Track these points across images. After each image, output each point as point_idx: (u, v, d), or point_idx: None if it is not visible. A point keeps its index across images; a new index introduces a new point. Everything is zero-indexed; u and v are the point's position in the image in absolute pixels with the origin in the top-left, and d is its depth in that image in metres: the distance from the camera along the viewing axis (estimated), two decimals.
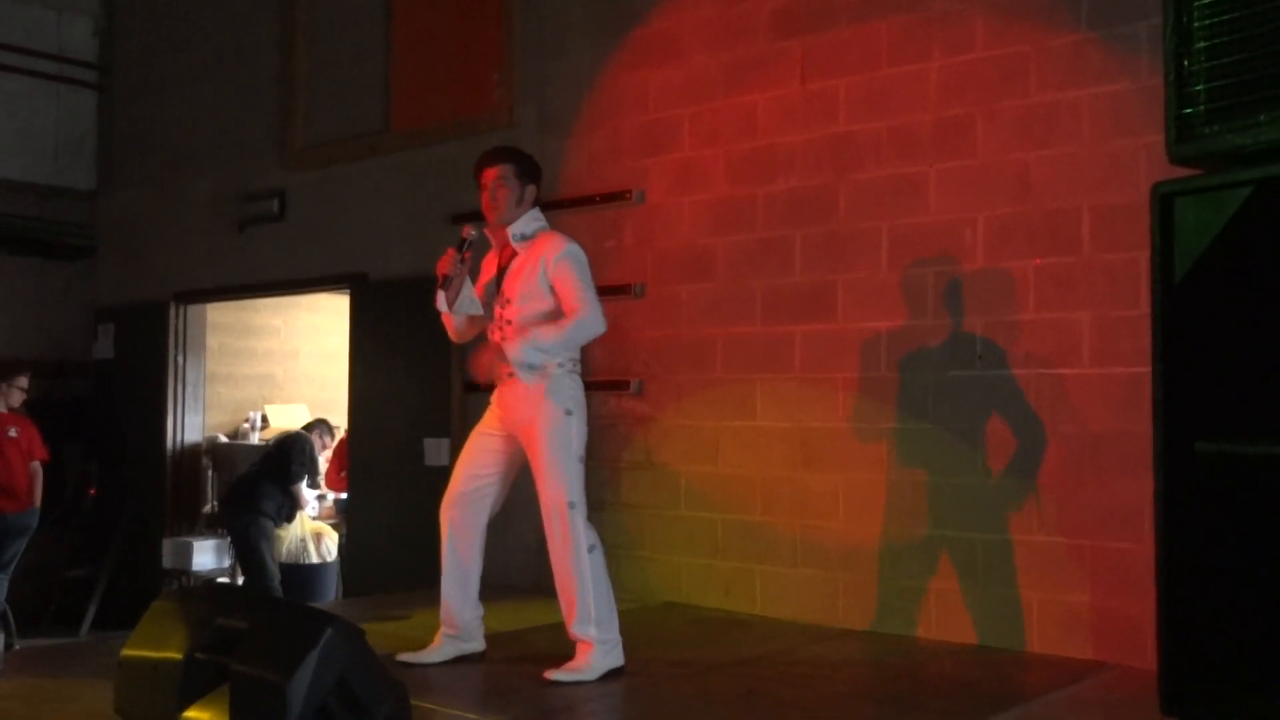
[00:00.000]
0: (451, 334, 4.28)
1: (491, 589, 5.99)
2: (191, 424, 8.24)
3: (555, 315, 3.99)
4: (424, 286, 6.56)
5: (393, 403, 6.71)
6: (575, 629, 3.87)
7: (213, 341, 8.49)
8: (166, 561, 7.83)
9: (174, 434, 8.15)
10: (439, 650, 4.08)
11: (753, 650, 4.43)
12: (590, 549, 3.90)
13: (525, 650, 4.49)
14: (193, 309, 8.24)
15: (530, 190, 4.13)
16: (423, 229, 6.70)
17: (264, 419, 8.66)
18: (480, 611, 4.16)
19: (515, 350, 3.91)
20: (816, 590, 5.02)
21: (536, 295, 4.00)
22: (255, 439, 8.41)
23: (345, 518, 7.31)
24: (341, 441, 7.77)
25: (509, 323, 4.03)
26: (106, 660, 3.19)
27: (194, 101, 8.18)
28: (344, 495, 7.47)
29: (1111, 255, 4.30)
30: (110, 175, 8.90)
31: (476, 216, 6.38)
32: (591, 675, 3.81)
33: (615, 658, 3.89)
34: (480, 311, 4.16)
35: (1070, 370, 4.41)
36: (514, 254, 4.08)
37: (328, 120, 7.34)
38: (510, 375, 3.99)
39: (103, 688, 3.17)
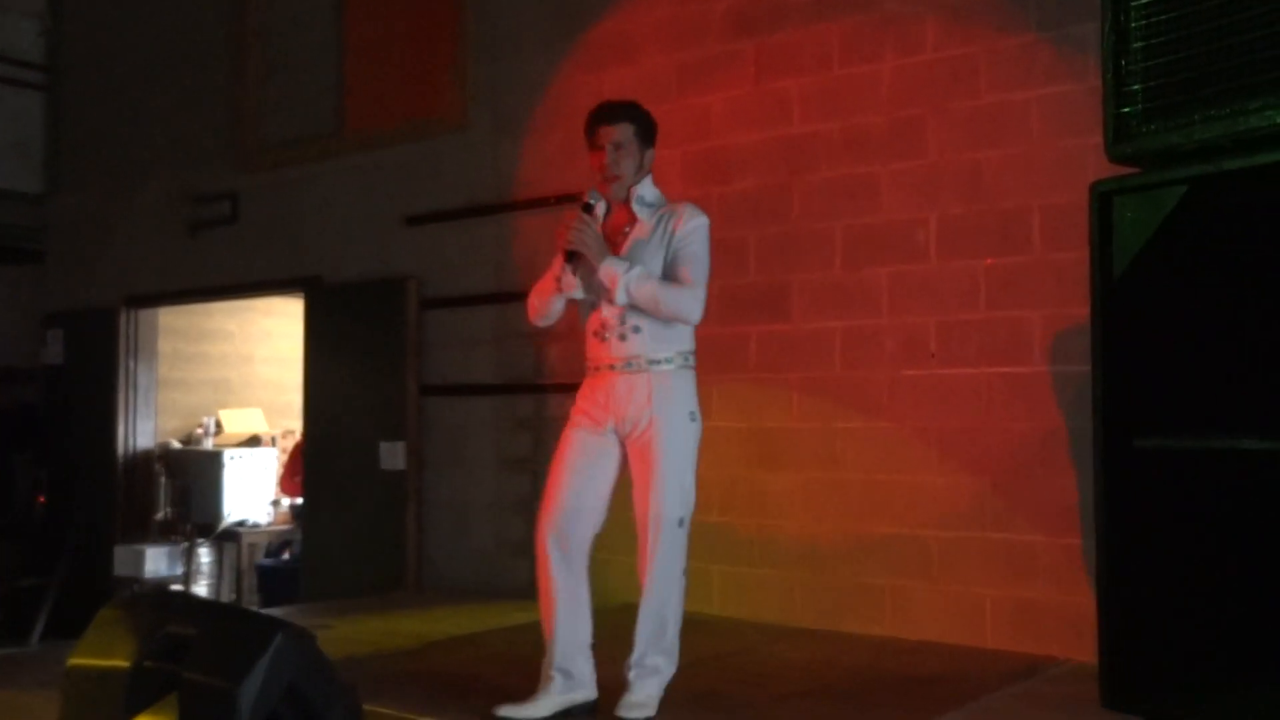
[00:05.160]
0: (540, 317, 3.63)
1: (450, 591, 6.00)
2: (144, 430, 8.13)
3: None
4: (379, 288, 6.62)
5: (348, 407, 6.66)
6: (649, 657, 3.44)
7: (165, 346, 8.38)
8: (118, 569, 7.72)
9: (126, 440, 8.04)
10: (546, 701, 3.47)
11: (710, 650, 4.43)
12: (684, 572, 3.49)
13: (480, 654, 4.48)
14: (144, 313, 8.13)
15: (649, 155, 3.59)
16: (377, 232, 6.66)
17: (218, 424, 8.56)
18: (590, 652, 3.56)
19: (622, 271, 3.35)
20: (774, 589, 5.03)
21: (660, 273, 3.45)
22: (209, 444, 8.32)
23: (301, 523, 7.24)
24: (296, 446, 7.70)
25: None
26: (56, 670, 3.13)
27: (144, 103, 8.07)
28: (299, 500, 7.40)
29: (1061, 254, 4.35)
30: (58, 178, 8.76)
31: (434, 218, 6.42)
32: (654, 710, 3.43)
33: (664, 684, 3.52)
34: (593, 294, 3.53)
35: (1021, 368, 4.46)
36: (629, 225, 3.53)
37: (280, 122, 7.28)
38: (623, 366, 3.44)
39: (52, 698, 3.12)
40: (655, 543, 3.42)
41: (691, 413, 3.46)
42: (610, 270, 3.38)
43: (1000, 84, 4.55)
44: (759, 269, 5.16)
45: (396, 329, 6.43)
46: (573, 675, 3.49)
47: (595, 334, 3.51)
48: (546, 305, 3.59)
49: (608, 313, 3.46)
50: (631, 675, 3.46)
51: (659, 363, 3.43)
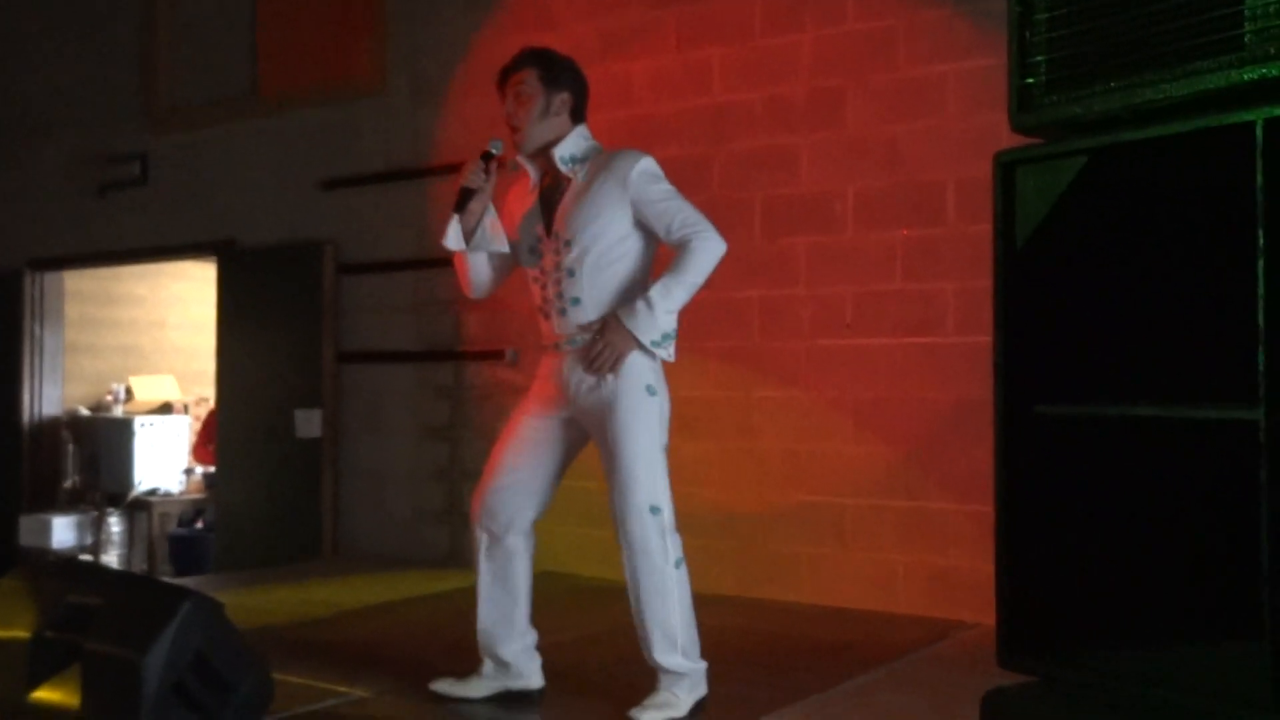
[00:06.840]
0: (466, 285, 3.31)
1: (367, 560, 5.95)
2: (50, 396, 7.94)
3: (639, 251, 3.19)
4: (294, 253, 6.50)
5: (263, 374, 6.55)
6: (658, 657, 3.14)
7: (72, 311, 8.16)
8: (24, 539, 7.55)
9: (31, 407, 7.85)
10: (479, 684, 3.34)
11: (627, 619, 4.40)
12: (677, 563, 3.15)
13: (396, 622, 4.45)
14: (49, 276, 7.92)
15: (562, 100, 3.23)
16: (292, 195, 6.54)
17: (128, 391, 8.37)
18: (531, 640, 3.38)
19: (641, 323, 3.04)
20: (692, 558, 4.97)
21: (610, 228, 3.12)
22: (119, 411, 8.13)
23: (214, 492, 7.13)
24: (210, 413, 7.57)
25: (571, 273, 3.12)
26: None
27: (49, 59, 7.82)
28: (212, 468, 7.28)
29: (975, 226, 4.41)
30: None
31: (351, 182, 6.31)
32: (682, 711, 3.14)
33: (702, 687, 3.21)
34: (505, 249, 3.24)
35: (935, 339, 4.52)
36: (558, 184, 3.23)
37: (193, 82, 7.10)
38: (567, 344, 3.16)
39: None
40: (635, 533, 3.10)
41: (649, 386, 3.12)
42: (643, 320, 3.06)
43: (918, 57, 4.59)
44: None
45: (312, 294, 6.33)
46: (505, 662, 3.32)
47: (538, 309, 3.24)
48: (467, 278, 3.29)
49: (540, 290, 3.19)
50: (660, 675, 3.19)
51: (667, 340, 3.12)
